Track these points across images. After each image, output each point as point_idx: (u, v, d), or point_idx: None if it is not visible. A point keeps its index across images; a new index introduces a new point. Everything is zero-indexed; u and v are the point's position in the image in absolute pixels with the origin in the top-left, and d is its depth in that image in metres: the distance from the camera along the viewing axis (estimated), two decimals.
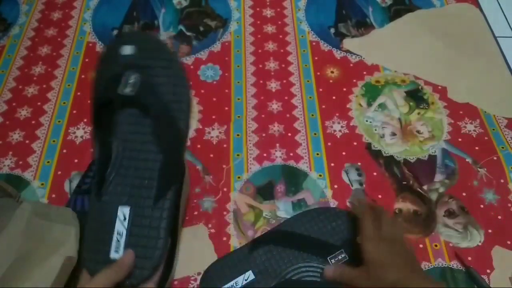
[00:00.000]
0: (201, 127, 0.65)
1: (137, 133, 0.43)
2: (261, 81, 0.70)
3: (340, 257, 0.48)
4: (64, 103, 0.67)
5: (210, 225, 0.55)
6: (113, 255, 0.40)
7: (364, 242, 0.43)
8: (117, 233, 0.40)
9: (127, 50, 0.44)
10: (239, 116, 0.66)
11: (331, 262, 0.47)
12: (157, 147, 0.42)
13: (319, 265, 0.47)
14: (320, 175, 0.60)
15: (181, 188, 0.45)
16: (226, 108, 0.67)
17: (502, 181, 0.60)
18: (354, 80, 0.71)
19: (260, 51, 0.74)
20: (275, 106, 0.67)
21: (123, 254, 0.40)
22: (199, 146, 0.63)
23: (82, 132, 0.63)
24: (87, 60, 0.72)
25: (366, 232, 0.44)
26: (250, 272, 0.47)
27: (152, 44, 0.44)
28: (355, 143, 0.63)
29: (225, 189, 0.58)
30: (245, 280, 0.47)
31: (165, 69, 0.43)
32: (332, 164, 0.61)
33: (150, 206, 0.41)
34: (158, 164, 0.42)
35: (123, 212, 0.41)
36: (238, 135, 0.64)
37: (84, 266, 0.41)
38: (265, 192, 0.58)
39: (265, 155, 0.62)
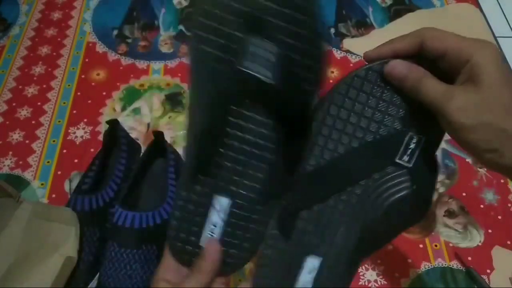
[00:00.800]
0: None
1: (252, 111, 0.32)
2: None
3: (413, 145, 0.32)
4: (64, 103, 0.67)
5: None
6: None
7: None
8: (211, 223, 0.35)
9: None
10: None
11: (404, 159, 0.33)
12: (278, 135, 0.33)
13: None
14: None
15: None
16: None
17: (502, 181, 0.60)
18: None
19: None
20: None
21: (207, 251, 0.35)
22: None
23: (82, 132, 0.63)
24: (87, 60, 0.72)
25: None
26: None
27: None
28: None
29: None
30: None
31: (301, 31, 0.28)
32: None
33: (253, 201, 0.35)
34: (274, 155, 0.34)
35: (220, 202, 0.35)
36: None
37: (167, 243, 0.36)
38: None
39: None
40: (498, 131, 0.27)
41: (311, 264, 0.36)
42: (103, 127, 0.64)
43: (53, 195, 0.57)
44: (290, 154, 0.34)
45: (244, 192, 0.35)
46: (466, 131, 0.27)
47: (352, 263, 0.36)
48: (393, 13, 0.81)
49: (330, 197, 0.35)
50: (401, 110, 0.32)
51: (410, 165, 0.33)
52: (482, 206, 0.58)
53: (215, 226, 0.36)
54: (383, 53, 0.31)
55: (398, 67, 0.30)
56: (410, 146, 0.32)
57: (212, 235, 0.36)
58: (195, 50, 0.30)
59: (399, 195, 0.33)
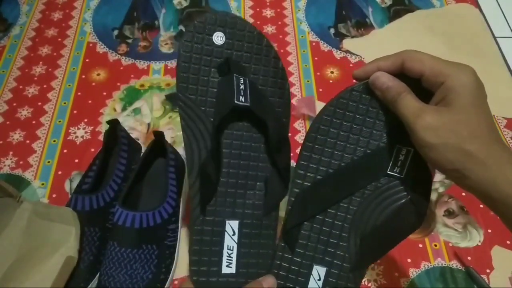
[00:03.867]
0: None
1: (240, 139, 0.38)
2: None
3: (402, 157, 0.34)
4: (65, 103, 0.67)
5: None
6: (225, 270, 0.38)
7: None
8: (227, 248, 0.38)
9: (220, 38, 0.36)
10: None
11: (396, 171, 0.34)
12: (265, 154, 0.38)
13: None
14: None
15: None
16: None
17: None
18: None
19: None
20: None
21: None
22: None
23: (82, 132, 0.63)
24: (87, 60, 0.72)
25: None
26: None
27: (241, 30, 0.37)
28: None
29: None
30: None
31: (261, 62, 0.38)
32: None
33: (259, 217, 0.38)
34: (266, 172, 0.38)
35: (231, 226, 0.38)
36: None
37: (192, 280, 0.38)
38: None
39: None
40: (461, 153, 0.28)
41: (318, 272, 0.37)
42: (103, 127, 0.64)
43: (54, 195, 0.57)
44: (280, 167, 0.38)
45: (249, 211, 0.39)
46: (429, 149, 0.29)
47: (357, 271, 0.37)
48: (393, 13, 0.82)
49: (327, 211, 0.36)
50: (387, 125, 0.34)
51: (402, 176, 0.34)
52: (481, 205, 0.58)
53: (231, 250, 0.38)
54: (368, 71, 0.33)
55: (382, 78, 0.32)
56: (400, 158, 0.34)
57: (230, 260, 0.38)
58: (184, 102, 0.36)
59: (395, 204, 0.35)
